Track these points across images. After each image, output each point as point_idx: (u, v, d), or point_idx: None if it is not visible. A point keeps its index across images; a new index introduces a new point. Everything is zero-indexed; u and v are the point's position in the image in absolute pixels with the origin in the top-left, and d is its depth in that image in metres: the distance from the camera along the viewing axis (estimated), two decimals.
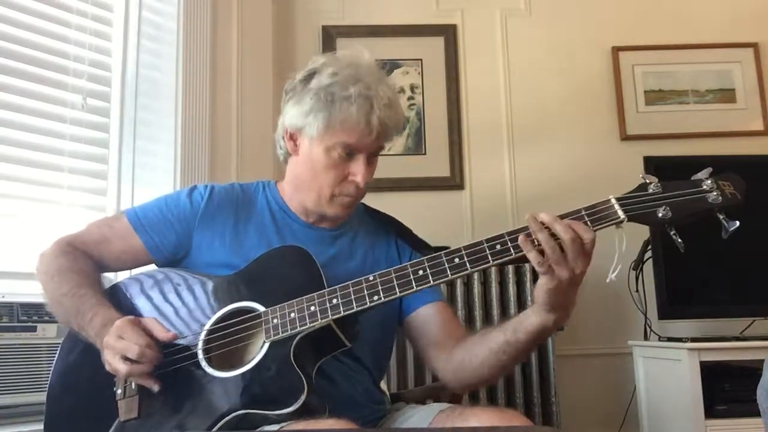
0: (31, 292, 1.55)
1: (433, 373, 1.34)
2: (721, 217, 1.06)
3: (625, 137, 2.65)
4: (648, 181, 1.08)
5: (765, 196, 1.91)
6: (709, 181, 1.07)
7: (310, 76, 1.26)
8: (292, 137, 1.29)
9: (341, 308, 1.09)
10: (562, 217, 1.06)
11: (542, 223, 1.04)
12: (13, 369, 1.57)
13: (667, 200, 1.06)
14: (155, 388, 1.10)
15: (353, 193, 1.26)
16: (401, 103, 2.47)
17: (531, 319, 1.11)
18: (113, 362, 1.09)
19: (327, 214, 1.28)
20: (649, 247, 2.27)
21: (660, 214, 1.06)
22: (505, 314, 2.32)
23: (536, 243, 1.03)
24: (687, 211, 1.06)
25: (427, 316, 1.31)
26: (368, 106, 1.20)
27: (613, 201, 1.08)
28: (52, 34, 1.88)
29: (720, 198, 1.05)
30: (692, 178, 1.09)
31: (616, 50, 2.70)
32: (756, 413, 1.37)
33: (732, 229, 1.04)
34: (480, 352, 1.19)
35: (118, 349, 1.08)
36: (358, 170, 1.23)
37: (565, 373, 2.39)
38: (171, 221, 1.28)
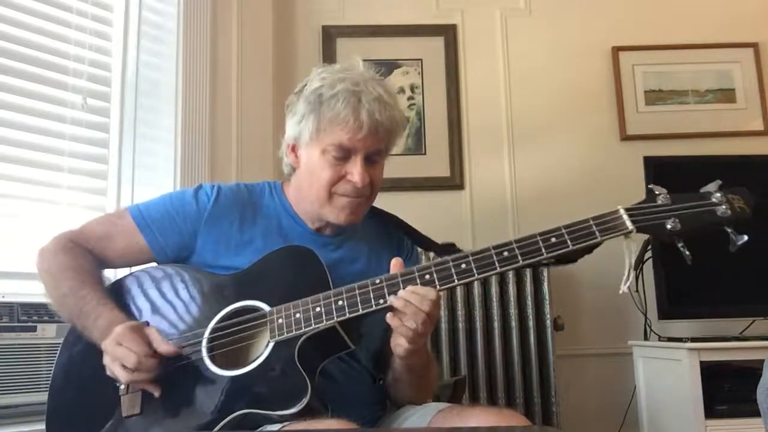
0: (31, 292, 1.55)
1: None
2: (729, 230, 1.06)
3: (625, 137, 2.65)
4: (657, 192, 1.09)
5: (765, 197, 1.91)
6: (719, 194, 1.07)
7: (304, 86, 1.27)
8: (293, 149, 1.30)
9: (347, 310, 1.09)
10: (568, 226, 1.08)
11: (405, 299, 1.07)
12: (13, 369, 1.57)
13: (676, 212, 1.06)
14: (156, 393, 1.10)
15: (351, 193, 1.22)
16: (401, 102, 2.45)
17: (396, 361, 1.20)
18: (113, 368, 1.09)
19: (329, 220, 1.26)
20: (649, 247, 2.27)
21: (669, 226, 1.06)
22: (505, 314, 2.32)
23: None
24: (696, 224, 1.06)
25: None
26: (355, 100, 1.18)
27: (622, 212, 1.08)
28: (52, 34, 1.88)
29: (729, 212, 1.06)
30: (701, 191, 1.09)
31: (616, 50, 2.70)
32: (756, 413, 1.37)
33: (740, 243, 1.05)
34: (389, 379, 1.28)
35: (116, 356, 1.08)
36: (353, 169, 1.20)
37: (565, 373, 2.39)
38: (176, 221, 1.27)
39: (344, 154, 1.21)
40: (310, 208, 1.28)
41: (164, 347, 1.11)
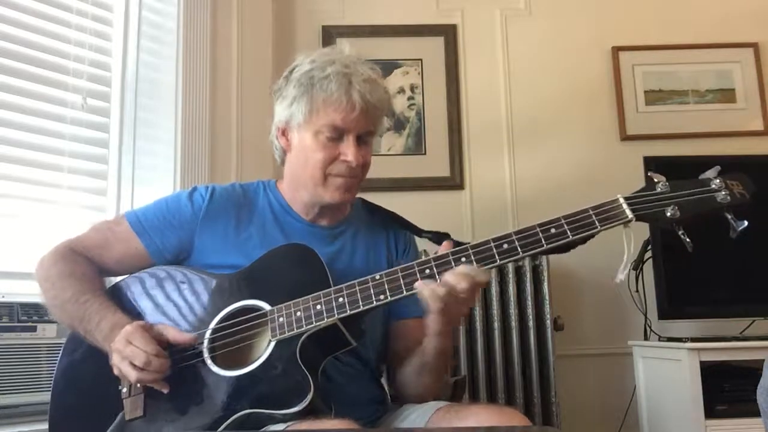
0: (31, 292, 1.54)
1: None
2: (729, 216, 1.06)
3: (625, 137, 2.65)
4: (656, 180, 1.08)
5: (765, 196, 1.91)
6: (718, 180, 1.07)
7: (291, 71, 1.28)
8: (284, 133, 1.31)
9: (347, 307, 1.09)
10: (567, 217, 1.07)
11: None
12: (13, 369, 1.57)
13: (675, 199, 1.06)
14: (164, 390, 1.11)
15: (345, 173, 1.24)
16: (401, 103, 2.44)
17: (430, 344, 1.19)
18: (122, 367, 1.09)
19: (325, 200, 1.27)
20: (649, 247, 2.27)
21: (668, 214, 1.05)
22: (505, 314, 2.32)
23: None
24: (695, 211, 1.05)
25: (409, 330, 1.31)
26: (347, 81, 1.21)
27: (621, 200, 1.08)
28: (52, 34, 1.88)
29: (728, 197, 1.05)
30: (700, 177, 1.09)
31: (616, 50, 2.70)
32: (756, 413, 1.37)
33: (740, 228, 1.04)
34: (408, 372, 1.26)
35: (126, 355, 1.08)
36: (347, 149, 1.23)
37: (565, 373, 2.39)
38: (173, 224, 1.28)
39: (337, 135, 1.23)
40: (304, 192, 1.29)
41: (180, 336, 1.12)
